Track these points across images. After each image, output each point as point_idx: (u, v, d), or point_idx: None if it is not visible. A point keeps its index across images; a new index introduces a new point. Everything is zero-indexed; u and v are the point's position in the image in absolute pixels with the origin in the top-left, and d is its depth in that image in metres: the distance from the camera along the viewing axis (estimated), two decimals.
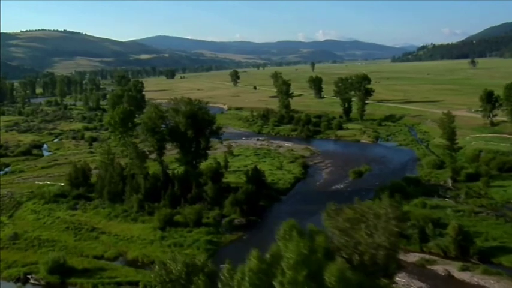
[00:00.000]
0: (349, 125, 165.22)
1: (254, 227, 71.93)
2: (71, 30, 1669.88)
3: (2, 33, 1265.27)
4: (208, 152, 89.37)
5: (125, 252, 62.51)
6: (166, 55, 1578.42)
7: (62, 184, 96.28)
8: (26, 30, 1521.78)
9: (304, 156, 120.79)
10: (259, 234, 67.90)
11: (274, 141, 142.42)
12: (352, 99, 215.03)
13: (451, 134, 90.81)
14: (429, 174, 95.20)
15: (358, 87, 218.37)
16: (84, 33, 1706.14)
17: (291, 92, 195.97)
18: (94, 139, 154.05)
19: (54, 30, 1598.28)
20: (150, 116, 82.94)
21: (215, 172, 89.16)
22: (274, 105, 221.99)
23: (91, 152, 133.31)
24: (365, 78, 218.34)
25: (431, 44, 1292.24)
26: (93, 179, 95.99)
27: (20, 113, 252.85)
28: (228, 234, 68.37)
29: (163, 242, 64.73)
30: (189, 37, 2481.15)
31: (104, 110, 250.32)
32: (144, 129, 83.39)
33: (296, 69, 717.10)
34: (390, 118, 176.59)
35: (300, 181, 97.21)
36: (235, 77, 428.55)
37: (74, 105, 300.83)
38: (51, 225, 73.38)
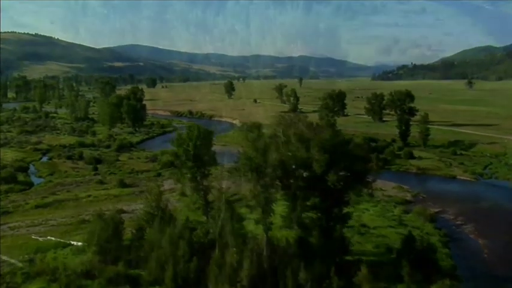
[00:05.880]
0: (417, 153, 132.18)
1: None
2: (42, 34, 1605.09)
3: None
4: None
5: None
6: (141, 63, 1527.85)
7: (78, 244, 60.37)
8: None
9: (407, 200, 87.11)
10: None
11: None
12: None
13: None
14: None
15: (400, 105, 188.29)
16: (56, 37, 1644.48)
17: (336, 108, 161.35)
18: (98, 161, 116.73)
19: (24, 33, 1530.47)
20: (256, 147, 46.95)
21: (340, 240, 54.44)
22: None
23: (101, 182, 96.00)
24: (408, 95, 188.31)
25: (412, 63, 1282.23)
26: (126, 236, 60.40)
27: None
28: None
29: None
30: (161, 47, 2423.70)
31: (93, 120, 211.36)
32: (246, 167, 47.03)
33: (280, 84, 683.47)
34: (457, 144, 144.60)
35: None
36: (229, 88, 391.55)
37: (56, 112, 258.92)
38: None
